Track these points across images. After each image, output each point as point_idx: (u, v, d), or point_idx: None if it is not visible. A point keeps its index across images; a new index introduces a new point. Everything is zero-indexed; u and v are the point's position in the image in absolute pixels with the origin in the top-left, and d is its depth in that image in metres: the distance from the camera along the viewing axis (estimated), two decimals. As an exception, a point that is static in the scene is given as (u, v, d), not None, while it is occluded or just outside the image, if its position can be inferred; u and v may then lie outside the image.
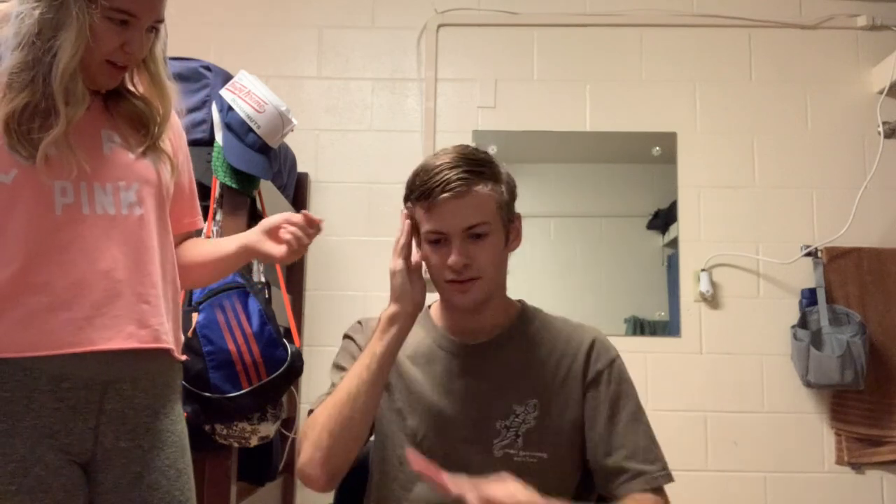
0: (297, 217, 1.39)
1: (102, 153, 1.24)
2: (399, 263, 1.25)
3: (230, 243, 1.45)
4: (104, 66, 1.22)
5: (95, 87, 1.25)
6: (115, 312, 1.20)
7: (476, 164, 1.21)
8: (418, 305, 1.25)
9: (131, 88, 1.31)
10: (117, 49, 1.20)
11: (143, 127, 1.30)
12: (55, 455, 1.17)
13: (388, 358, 1.22)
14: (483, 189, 1.21)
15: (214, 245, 1.49)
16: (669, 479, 1.23)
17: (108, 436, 1.22)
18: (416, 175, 1.23)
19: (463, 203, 1.19)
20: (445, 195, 1.18)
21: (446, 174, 1.18)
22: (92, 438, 1.20)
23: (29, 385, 1.15)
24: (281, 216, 1.41)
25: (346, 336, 1.37)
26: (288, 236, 1.37)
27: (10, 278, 1.14)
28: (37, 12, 1.13)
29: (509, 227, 1.27)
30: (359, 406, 1.18)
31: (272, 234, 1.40)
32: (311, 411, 1.26)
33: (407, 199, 1.26)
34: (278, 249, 1.39)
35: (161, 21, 1.25)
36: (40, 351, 1.15)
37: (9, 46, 1.16)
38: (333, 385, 1.27)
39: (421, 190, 1.20)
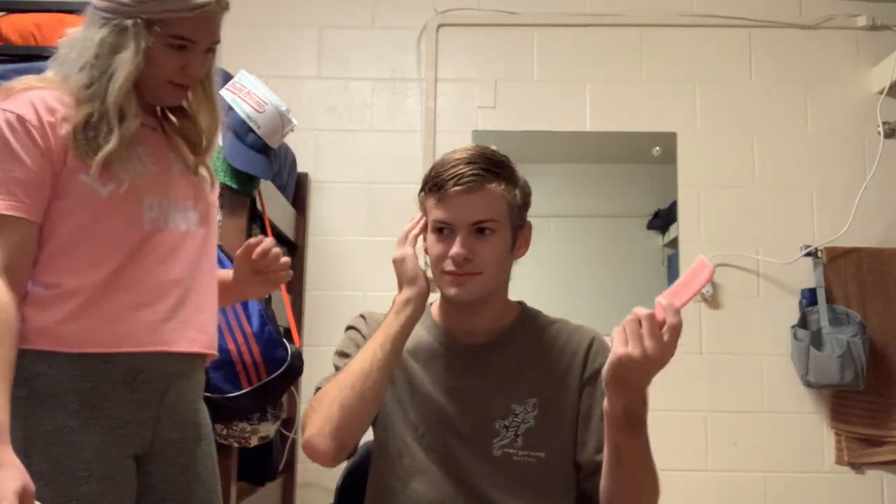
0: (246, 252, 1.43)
1: (174, 174, 1.36)
2: (408, 250, 1.27)
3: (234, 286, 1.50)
4: (168, 87, 1.32)
5: (161, 104, 1.36)
6: (182, 318, 1.32)
7: (493, 164, 1.23)
8: (427, 290, 1.26)
9: (184, 105, 1.41)
10: (178, 71, 1.30)
11: (191, 144, 1.40)
12: (120, 447, 1.26)
13: (402, 339, 1.23)
14: (496, 188, 1.22)
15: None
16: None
17: (164, 427, 1.32)
18: (433, 167, 1.25)
19: (473, 198, 1.20)
20: (457, 188, 1.19)
21: (461, 168, 1.20)
22: (152, 430, 1.30)
23: (109, 377, 1.25)
24: (237, 261, 1.46)
25: (350, 327, 1.37)
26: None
27: (102, 280, 1.25)
28: (97, 37, 1.25)
29: (518, 233, 1.28)
30: (370, 384, 1.18)
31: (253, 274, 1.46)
32: (317, 389, 1.26)
33: (421, 190, 1.28)
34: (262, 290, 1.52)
35: (217, 42, 1.35)
36: (123, 347, 1.26)
37: (74, 67, 1.26)
38: (337, 369, 1.27)
39: (434, 181, 1.22)
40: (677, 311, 1.00)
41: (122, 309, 1.26)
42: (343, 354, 1.32)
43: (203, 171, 1.42)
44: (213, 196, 1.46)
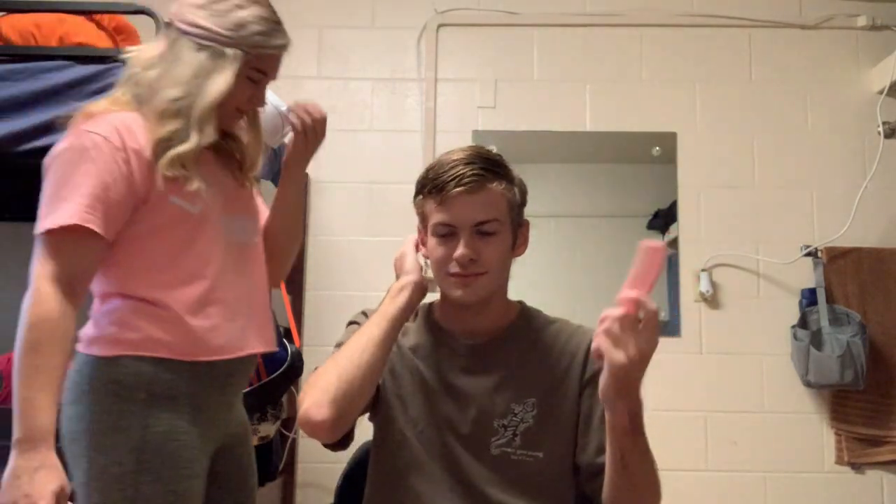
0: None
1: (232, 190, 1.46)
2: (408, 248, 1.30)
3: (280, 188, 1.58)
4: (234, 112, 1.43)
5: (222, 127, 1.44)
6: (254, 323, 1.44)
7: (491, 164, 1.23)
8: (423, 283, 1.28)
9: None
10: (247, 100, 1.43)
11: (235, 161, 1.50)
12: (208, 446, 1.37)
13: (398, 320, 1.23)
14: (496, 187, 1.22)
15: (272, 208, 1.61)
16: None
17: (231, 424, 1.45)
18: (429, 170, 1.24)
19: (475, 198, 1.20)
20: (459, 189, 1.19)
21: (461, 169, 1.20)
22: (225, 427, 1.43)
23: (211, 382, 1.37)
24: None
25: (352, 322, 1.37)
26: (295, 120, 1.51)
27: (201, 294, 1.34)
28: (195, 60, 1.34)
29: (517, 231, 1.28)
30: (367, 357, 1.19)
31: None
32: (315, 368, 1.26)
33: (418, 193, 1.27)
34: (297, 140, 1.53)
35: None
36: (223, 355, 1.36)
37: (165, 83, 1.33)
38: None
39: (434, 183, 1.22)
40: (649, 300, 0.96)
41: (219, 320, 1.36)
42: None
43: (248, 185, 1.52)
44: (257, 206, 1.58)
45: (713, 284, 2.65)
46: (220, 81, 1.33)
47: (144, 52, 1.40)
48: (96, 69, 2.02)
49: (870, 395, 2.54)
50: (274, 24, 1.45)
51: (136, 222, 1.31)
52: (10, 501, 1.15)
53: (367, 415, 1.31)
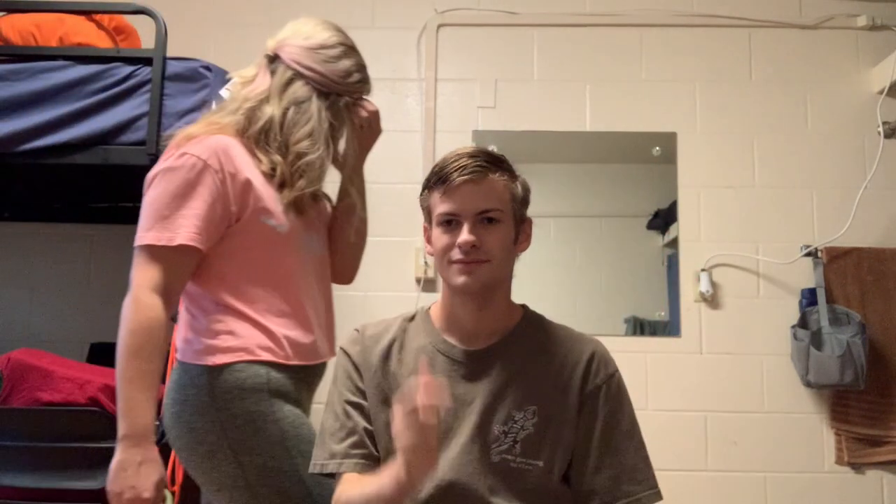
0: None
1: (315, 207, 1.57)
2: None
3: (343, 188, 1.71)
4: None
5: None
6: (328, 332, 1.58)
7: (494, 158, 1.26)
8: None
9: None
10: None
11: None
12: None
13: None
14: (499, 178, 1.25)
15: None
16: (656, 498, 1.24)
17: None
18: (434, 166, 1.27)
19: (478, 188, 1.23)
20: (462, 178, 1.22)
21: (464, 161, 1.23)
22: None
23: (304, 384, 1.49)
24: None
25: (342, 350, 1.36)
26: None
27: (291, 305, 1.45)
28: (320, 109, 1.48)
29: (520, 227, 1.29)
30: None
31: None
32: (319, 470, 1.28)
33: (423, 189, 1.30)
34: None
35: None
36: (314, 359, 1.50)
37: (294, 129, 1.45)
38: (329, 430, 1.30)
39: (438, 175, 1.25)
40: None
41: (313, 327, 1.49)
42: (334, 414, 1.31)
43: (321, 199, 1.62)
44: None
45: (713, 284, 2.65)
46: (346, 134, 1.53)
47: (250, 82, 1.50)
48: (96, 69, 2.02)
49: (870, 395, 2.54)
50: (365, 72, 1.59)
51: (230, 238, 1.40)
52: (118, 492, 1.26)
53: None
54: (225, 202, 1.37)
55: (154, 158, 1.98)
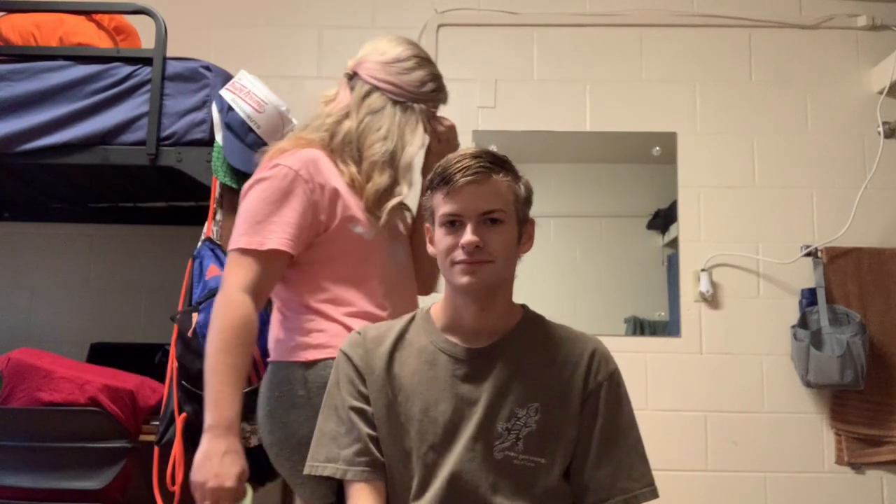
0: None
1: (399, 215, 1.62)
2: None
3: None
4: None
5: None
6: None
7: (496, 159, 1.27)
8: None
9: None
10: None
11: None
12: None
13: None
14: (502, 179, 1.26)
15: None
16: (652, 495, 1.25)
17: None
18: (438, 167, 1.28)
19: (481, 189, 1.23)
20: (465, 179, 1.22)
21: (468, 161, 1.24)
22: None
23: None
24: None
25: (343, 354, 1.35)
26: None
27: (379, 308, 1.49)
28: (394, 113, 1.54)
29: (522, 227, 1.29)
30: None
31: None
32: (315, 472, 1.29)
33: (426, 190, 1.30)
34: None
35: None
36: None
37: (369, 133, 1.52)
38: (327, 437, 1.30)
39: (442, 176, 1.25)
40: None
41: None
42: (335, 413, 1.31)
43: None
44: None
45: (713, 284, 2.65)
46: (418, 135, 1.55)
47: (332, 100, 1.58)
48: (96, 69, 2.02)
49: (870, 395, 2.54)
50: (440, 81, 1.62)
51: (320, 245, 1.47)
52: (201, 481, 1.32)
53: None
54: (314, 210, 1.45)
55: (154, 158, 1.99)
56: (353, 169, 1.50)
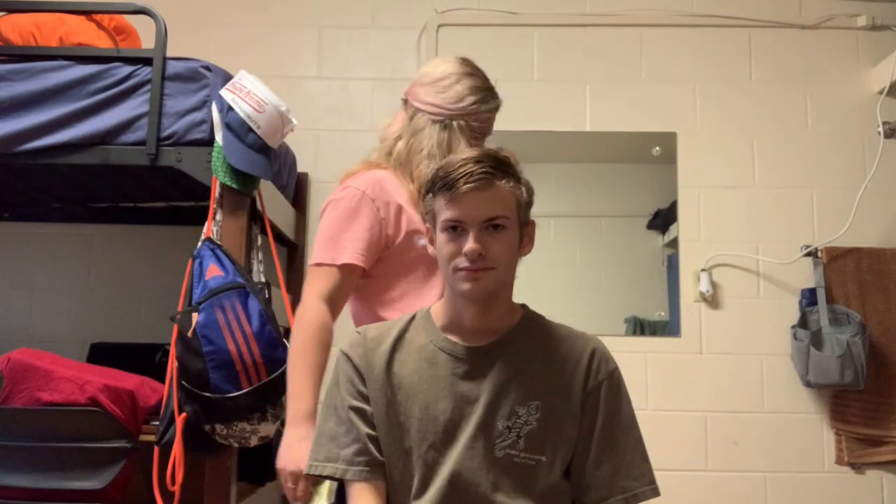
0: None
1: None
2: None
3: None
4: None
5: None
6: None
7: (499, 162, 1.26)
8: None
9: None
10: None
11: None
12: None
13: None
14: (505, 185, 1.25)
15: None
16: (653, 494, 1.25)
17: None
18: (440, 168, 1.26)
19: (484, 195, 1.22)
20: (468, 185, 1.21)
21: (470, 167, 1.22)
22: None
23: None
24: None
25: (343, 354, 1.34)
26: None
27: None
28: (433, 132, 1.62)
29: (524, 230, 1.29)
30: None
31: None
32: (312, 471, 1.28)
33: (427, 192, 1.29)
34: None
35: None
36: None
37: (414, 153, 1.63)
38: (328, 435, 1.29)
39: (444, 181, 1.23)
40: None
41: None
42: (334, 413, 1.31)
43: None
44: None
45: (713, 284, 2.65)
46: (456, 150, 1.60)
47: (391, 126, 1.71)
48: (96, 69, 2.02)
49: (870, 395, 2.54)
50: (486, 91, 1.67)
51: (388, 259, 1.60)
52: (283, 465, 1.44)
53: None
54: (381, 226, 1.58)
55: (154, 158, 1.99)
56: (412, 186, 1.62)
